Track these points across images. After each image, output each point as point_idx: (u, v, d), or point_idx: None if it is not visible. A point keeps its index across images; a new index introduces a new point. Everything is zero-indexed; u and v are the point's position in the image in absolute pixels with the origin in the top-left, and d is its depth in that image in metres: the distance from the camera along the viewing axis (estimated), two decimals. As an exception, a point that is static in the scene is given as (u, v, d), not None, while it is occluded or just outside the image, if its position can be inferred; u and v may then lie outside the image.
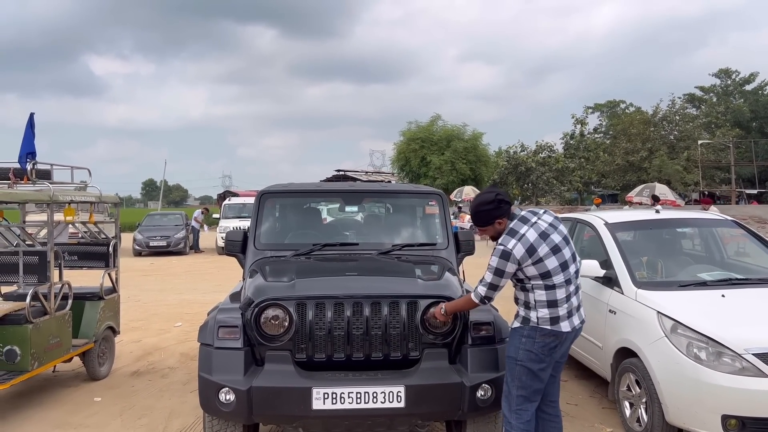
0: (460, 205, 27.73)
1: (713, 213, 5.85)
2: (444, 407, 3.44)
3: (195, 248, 21.54)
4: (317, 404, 3.27)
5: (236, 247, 4.64)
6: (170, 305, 10.01)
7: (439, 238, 4.73)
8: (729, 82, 48.23)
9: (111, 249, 5.90)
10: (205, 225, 23.17)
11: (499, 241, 3.25)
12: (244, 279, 4.33)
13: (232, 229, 19.75)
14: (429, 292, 3.60)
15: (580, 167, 37.63)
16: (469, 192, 27.31)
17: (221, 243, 19.87)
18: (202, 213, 23.26)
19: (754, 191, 38.17)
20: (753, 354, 3.66)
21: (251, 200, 22.10)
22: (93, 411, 4.90)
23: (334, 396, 3.28)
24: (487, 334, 3.59)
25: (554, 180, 36.96)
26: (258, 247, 4.53)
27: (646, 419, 4.12)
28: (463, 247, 4.71)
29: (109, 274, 5.92)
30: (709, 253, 5.57)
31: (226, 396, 3.32)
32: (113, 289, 6.01)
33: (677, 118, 36.89)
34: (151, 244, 19.96)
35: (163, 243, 20.05)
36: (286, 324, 3.43)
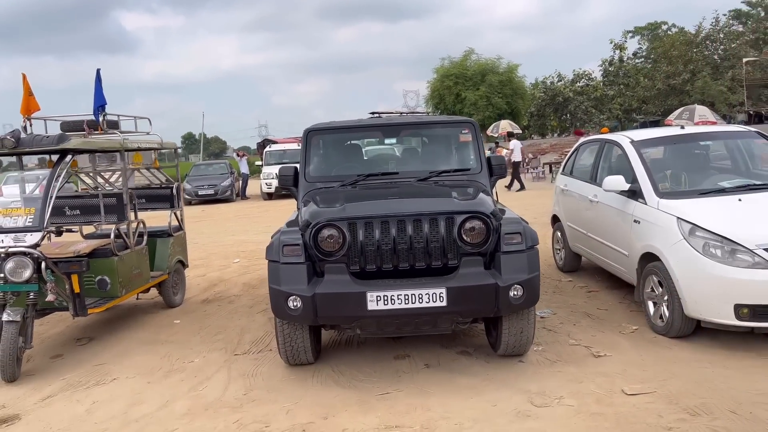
0: (498, 140, 27.70)
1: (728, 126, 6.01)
2: (481, 305, 3.94)
3: (242, 195, 22.40)
4: (371, 305, 3.81)
5: (288, 180, 5.14)
6: (226, 245, 10.75)
7: (473, 163, 5.13)
8: (779, -7, 45.57)
9: (175, 191, 6.51)
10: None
11: None
12: (298, 209, 4.84)
13: (274, 175, 20.38)
14: (465, 209, 4.04)
15: (620, 94, 36.78)
16: (506, 126, 27.19)
17: (266, 189, 20.63)
18: (241, 156, 24.05)
19: (805, 108, 36.70)
20: (764, 249, 4.02)
21: (290, 146, 22.68)
22: (174, 331, 5.61)
23: (386, 298, 3.80)
24: (518, 242, 4.03)
25: (593, 109, 36.31)
26: (308, 180, 5.02)
27: (667, 315, 4.54)
28: (495, 171, 5.11)
29: (175, 214, 6.55)
30: (736, 164, 5.80)
31: (294, 303, 3.88)
32: (180, 227, 6.66)
33: (721, 36, 35.41)
34: (200, 193, 20.87)
35: (211, 191, 20.95)
36: (341, 241, 3.94)
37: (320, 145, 5.32)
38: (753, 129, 5.77)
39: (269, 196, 20.58)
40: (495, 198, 4.95)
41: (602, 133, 6.74)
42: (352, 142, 5.66)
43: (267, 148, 23.82)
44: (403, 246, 3.95)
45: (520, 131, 29.45)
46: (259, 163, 23.95)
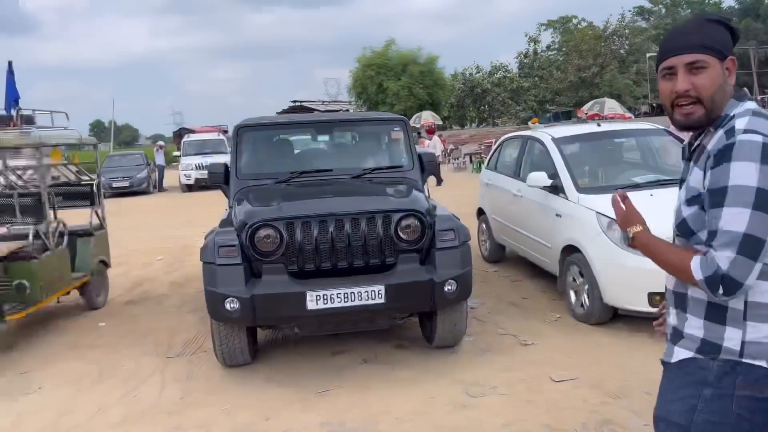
0: (420, 130, 28.13)
1: (639, 122, 6.49)
2: (418, 301, 4.06)
3: (159, 187, 21.59)
4: (311, 305, 3.84)
5: (219, 178, 5.06)
6: (147, 241, 10.38)
7: (404, 160, 5.23)
8: (677, -8, 48.74)
9: (95, 188, 6.23)
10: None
11: (744, 125, 1.50)
12: (230, 207, 4.78)
13: (194, 166, 19.69)
14: (401, 207, 4.14)
15: (534, 86, 38.22)
16: (428, 117, 27.65)
17: (185, 181, 20.01)
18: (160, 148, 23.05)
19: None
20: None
21: (210, 136, 22.06)
22: (100, 334, 5.41)
23: (325, 297, 3.85)
24: (451, 238, 4.18)
25: (509, 100, 37.51)
26: (240, 177, 4.96)
27: (588, 303, 4.85)
28: (427, 167, 5.24)
29: (96, 212, 6.28)
30: (645, 159, 6.23)
31: (231, 304, 3.85)
32: (101, 226, 6.39)
33: (627, 31, 37.49)
34: (113, 185, 19.86)
35: (126, 183, 20.04)
36: (278, 241, 3.94)
37: (251, 141, 5.26)
38: (661, 127, 6.21)
39: (188, 188, 19.97)
40: (427, 194, 5.09)
41: (532, 124, 7.02)
42: (284, 138, 5.62)
43: (185, 138, 23.02)
44: (341, 245, 4.00)
45: (441, 122, 30.05)
46: (176, 153, 23.15)
